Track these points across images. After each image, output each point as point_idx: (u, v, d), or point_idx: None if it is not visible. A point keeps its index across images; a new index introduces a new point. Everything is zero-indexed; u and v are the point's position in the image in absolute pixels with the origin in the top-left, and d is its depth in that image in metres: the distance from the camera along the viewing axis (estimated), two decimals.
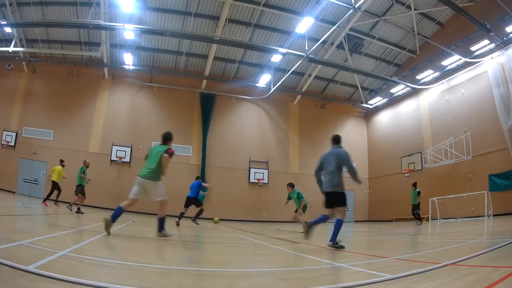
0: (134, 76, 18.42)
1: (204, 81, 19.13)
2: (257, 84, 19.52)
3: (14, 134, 16.53)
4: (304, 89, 20.22)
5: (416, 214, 13.04)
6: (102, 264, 2.55)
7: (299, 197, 9.79)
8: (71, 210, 10.39)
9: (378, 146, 21.38)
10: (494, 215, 12.36)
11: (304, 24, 13.97)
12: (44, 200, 11.64)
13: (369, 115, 22.54)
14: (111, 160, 17.26)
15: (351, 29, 15.93)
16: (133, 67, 17.75)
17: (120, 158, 17.42)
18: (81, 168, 10.84)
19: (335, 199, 4.87)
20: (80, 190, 10.66)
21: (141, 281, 2.12)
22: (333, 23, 14.90)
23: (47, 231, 4.73)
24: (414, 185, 13.37)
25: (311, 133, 21.05)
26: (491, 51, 13.85)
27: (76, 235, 4.56)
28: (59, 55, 17.86)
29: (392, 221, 17.53)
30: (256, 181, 19.24)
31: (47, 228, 5.30)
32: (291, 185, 9.96)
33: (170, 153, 4.96)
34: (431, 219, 15.09)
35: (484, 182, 13.37)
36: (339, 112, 22.05)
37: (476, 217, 12.94)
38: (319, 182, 5.15)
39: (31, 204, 11.23)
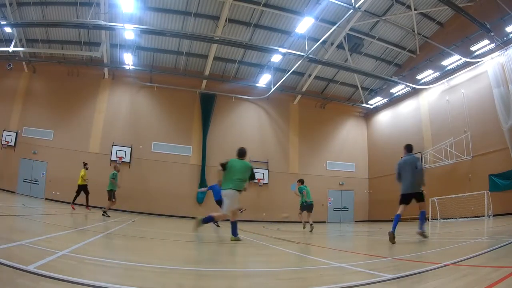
0: (134, 76, 18.41)
1: (204, 81, 19.13)
2: (257, 84, 19.51)
3: (14, 134, 16.54)
4: (304, 89, 20.21)
5: None
6: (102, 264, 2.55)
7: (299, 190, 10.30)
8: (108, 216, 10.28)
9: (378, 146, 21.36)
10: (494, 215, 12.36)
11: (304, 24, 13.96)
12: (87, 206, 11.84)
13: (369, 115, 22.54)
14: (111, 160, 17.24)
15: (351, 29, 15.92)
16: (133, 67, 17.74)
17: (120, 158, 17.42)
18: (113, 173, 10.63)
19: (418, 197, 5.83)
20: (112, 194, 10.48)
21: (141, 281, 2.12)
22: (333, 23, 14.89)
23: (47, 231, 4.73)
24: None
25: (311, 133, 21.04)
26: (491, 51, 13.83)
27: (76, 235, 4.56)
28: (59, 55, 17.85)
29: (392, 221, 17.50)
30: (256, 181, 19.24)
31: (47, 228, 5.30)
32: (300, 181, 10.58)
33: (254, 176, 5.82)
34: (431, 219, 15.09)
35: (484, 182, 13.36)
36: (339, 112, 22.04)
37: (476, 217, 12.93)
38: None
39: (31, 204, 11.24)
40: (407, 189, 5.88)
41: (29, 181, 16.34)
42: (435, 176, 16.21)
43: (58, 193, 16.07)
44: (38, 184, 16.37)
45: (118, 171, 10.84)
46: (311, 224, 9.85)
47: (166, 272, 2.53)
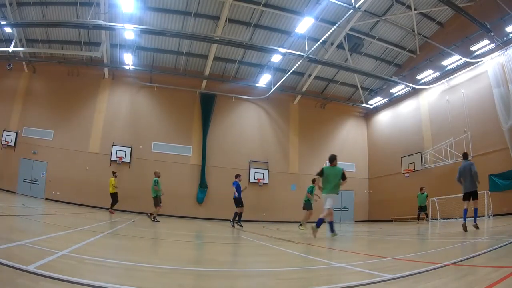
0: (134, 76, 18.41)
1: (204, 81, 19.13)
2: (257, 84, 19.51)
3: (14, 134, 16.53)
4: (304, 89, 20.21)
5: (425, 214, 14.26)
6: (102, 264, 2.55)
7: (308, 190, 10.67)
8: (152, 220, 10.60)
9: (378, 146, 21.37)
10: (494, 215, 12.36)
11: (304, 24, 13.95)
12: (111, 208, 12.85)
13: (369, 115, 22.53)
14: (111, 160, 17.24)
15: (351, 29, 15.91)
16: (133, 67, 17.74)
17: (120, 158, 17.41)
18: (154, 180, 10.70)
19: (474, 195, 7.56)
20: (157, 200, 10.71)
21: (141, 281, 2.12)
22: (333, 23, 14.89)
23: (47, 231, 4.73)
24: (421, 189, 14.66)
25: (311, 133, 21.04)
26: (491, 51, 13.83)
27: (76, 235, 4.56)
28: (59, 55, 17.85)
29: (392, 221, 17.52)
30: (256, 181, 19.22)
31: (47, 228, 5.30)
32: (312, 181, 10.76)
33: (345, 177, 6.63)
34: (431, 219, 15.10)
35: (484, 182, 13.26)
36: (339, 112, 22.03)
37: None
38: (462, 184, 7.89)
39: (31, 204, 11.24)
40: (467, 189, 7.58)
41: (29, 181, 16.33)
42: (435, 176, 16.24)
43: (58, 193, 16.08)
44: (38, 184, 16.36)
45: (159, 176, 10.95)
46: (301, 224, 9.99)
47: (166, 272, 2.54)
